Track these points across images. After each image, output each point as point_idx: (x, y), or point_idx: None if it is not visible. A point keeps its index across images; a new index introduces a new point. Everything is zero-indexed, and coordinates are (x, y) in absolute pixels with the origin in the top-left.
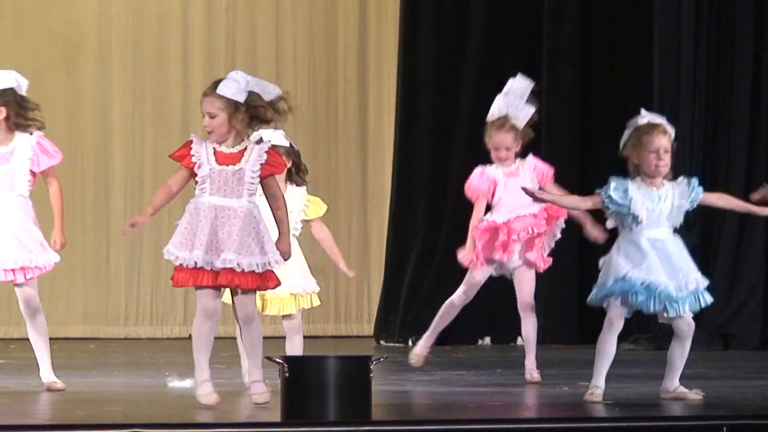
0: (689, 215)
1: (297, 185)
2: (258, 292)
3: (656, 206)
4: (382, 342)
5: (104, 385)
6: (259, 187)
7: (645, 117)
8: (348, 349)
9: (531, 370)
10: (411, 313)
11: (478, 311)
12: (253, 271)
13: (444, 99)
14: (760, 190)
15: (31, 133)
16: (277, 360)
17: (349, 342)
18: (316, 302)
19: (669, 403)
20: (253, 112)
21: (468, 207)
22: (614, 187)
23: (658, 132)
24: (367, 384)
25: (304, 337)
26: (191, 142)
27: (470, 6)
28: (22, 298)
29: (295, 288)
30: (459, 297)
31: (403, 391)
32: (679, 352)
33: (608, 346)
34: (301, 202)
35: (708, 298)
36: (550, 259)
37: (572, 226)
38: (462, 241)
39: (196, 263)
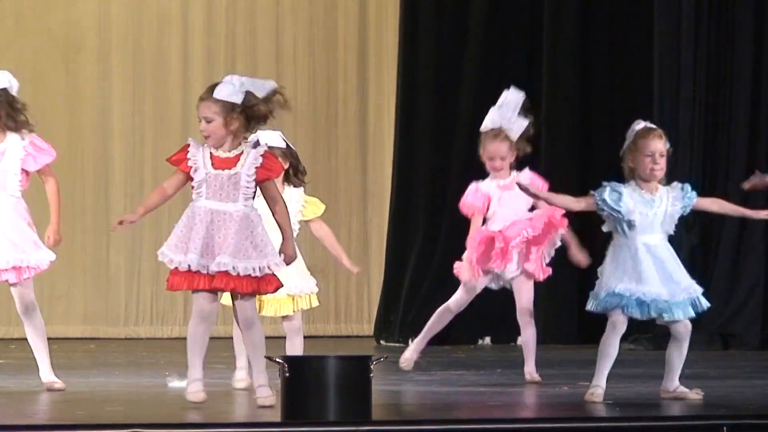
0: (689, 216)
1: (295, 186)
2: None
3: (650, 211)
4: (382, 342)
5: (104, 385)
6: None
7: (641, 123)
8: (348, 349)
9: (531, 372)
10: (411, 313)
11: (478, 311)
12: (250, 274)
13: (444, 99)
14: (751, 179)
15: (22, 134)
16: (277, 360)
17: (349, 342)
18: (315, 303)
19: (669, 403)
20: (249, 113)
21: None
22: (609, 191)
23: (653, 136)
24: (368, 384)
25: (304, 337)
26: (188, 146)
27: (470, 6)
28: (18, 299)
29: (292, 289)
30: (455, 303)
31: (403, 391)
32: (677, 354)
33: (611, 347)
34: (299, 203)
35: (705, 303)
36: (550, 269)
37: (572, 225)
38: (462, 240)
39: (190, 266)
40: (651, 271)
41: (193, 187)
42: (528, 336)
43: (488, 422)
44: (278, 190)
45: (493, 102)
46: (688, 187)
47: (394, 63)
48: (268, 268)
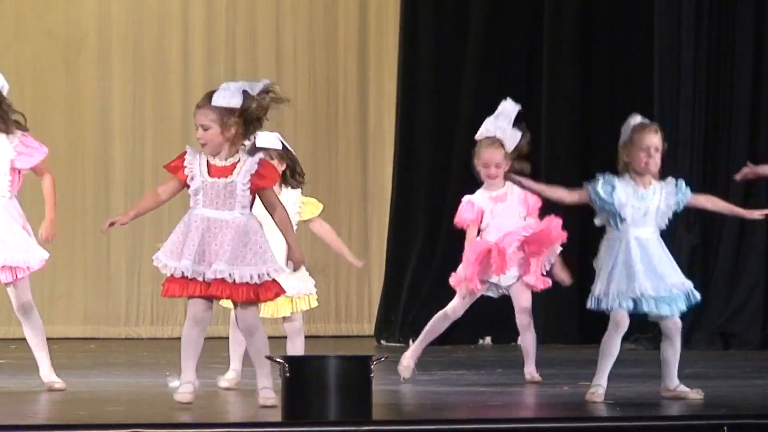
0: (690, 215)
1: (292, 188)
2: None
3: (642, 205)
4: (382, 342)
5: (105, 385)
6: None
7: (637, 118)
8: (348, 349)
9: (531, 372)
10: (411, 313)
11: (478, 311)
12: (248, 282)
13: (444, 99)
14: (743, 170)
15: (13, 134)
16: (277, 360)
17: (350, 342)
18: (314, 303)
19: (669, 403)
20: (246, 117)
21: None
22: (602, 183)
23: (649, 130)
24: (368, 384)
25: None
26: (185, 153)
27: (470, 6)
28: (14, 299)
29: (290, 290)
30: (452, 310)
31: (403, 391)
32: (671, 351)
33: (613, 346)
34: (296, 204)
35: (697, 296)
36: (549, 281)
37: (572, 226)
38: (462, 240)
39: (183, 273)
40: (640, 265)
41: (190, 195)
42: (527, 340)
43: (488, 422)
44: (276, 196)
45: (493, 101)
46: (682, 183)
47: (394, 63)
48: (268, 274)
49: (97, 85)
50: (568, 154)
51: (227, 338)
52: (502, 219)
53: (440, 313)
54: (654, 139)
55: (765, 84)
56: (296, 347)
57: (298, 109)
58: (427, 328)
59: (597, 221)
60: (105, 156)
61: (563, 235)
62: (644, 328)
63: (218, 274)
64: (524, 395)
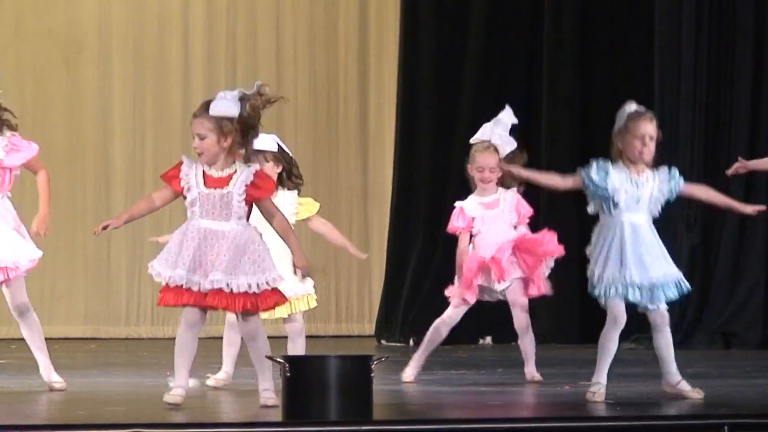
0: (690, 215)
1: (288, 189)
2: None
3: (636, 191)
4: (383, 342)
5: (105, 385)
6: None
7: (633, 105)
8: (349, 349)
9: (532, 372)
10: (412, 313)
11: (479, 311)
12: (246, 291)
13: (444, 99)
14: (734, 165)
15: (2, 134)
16: (278, 360)
17: (350, 342)
18: (313, 304)
19: (669, 403)
20: (243, 125)
21: None
22: (595, 169)
23: (644, 119)
24: (369, 383)
25: (306, 336)
26: (181, 163)
27: (470, 6)
28: (9, 300)
29: (287, 292)
30: (450, 317)
31: (404, 391)
32: (663, 343)
33: (611, 342)
34: (292, 206)
35: (687, 285)
36: (549, 286)
37: (572, 225)
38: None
39: (177, 282)
40: (630, 252)
41: (187, 206)
42: (526, 342)
43: (489, 422)
44: (274, 205)
45: (493, 101)
46: (675, 171)
47: (394, 63)
48: (267, 283)
49: (97, 85)
50: (568, 154)
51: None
52: (493, 226)
53: (437, 321)
54: (649, 128)
55: (765, 83)
56: (297, 348)
57: (298, 110)
58: (426, 338)
59: (590, 209)
60: (105, 156)
61: (559, 249)
62: (644, 328)
63: (215, 284)
64: (525, 395)
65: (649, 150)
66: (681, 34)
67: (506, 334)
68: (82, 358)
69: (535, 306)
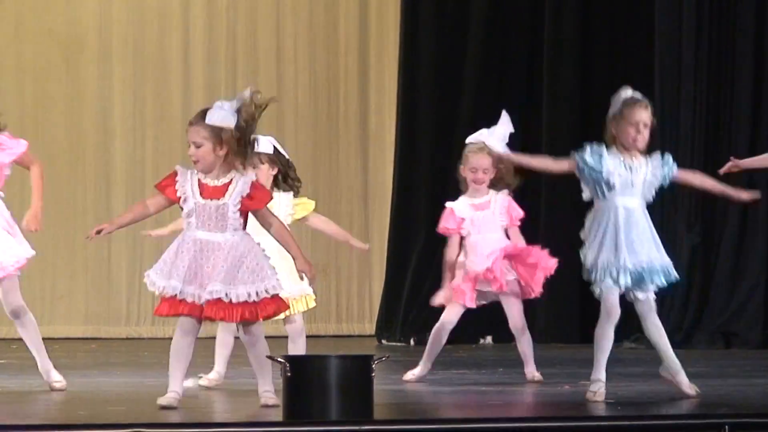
0: (691, 215)
1: (284, 191)
2: None
3: (630, 175)
4: (383, 341)
5: (106, 385)
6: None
7: (629, 91)
8: (349, 349)
9: (532, 372)
10: (412, 313)
11: (479, 310)
12: (246, 300)
13: (445, 98)
14: (727, 164)
15: None
16: (279, 359)
17: (351, 341)
18: (312, 304)
19: (670, 402)
20: (239, 135)
21: None
22: (589, 152)
23: (640, 106)
24: (369, 383)
25: (306, 336)
26: (176, 173)
27: (471, 6)
28: (3, 301)
29: (285, 293)
30: (448, 321)
31: (404, 391)
32: (654, 329)
33: (606, 337)
34: (288, 207)
35: (675, 274)
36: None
37: (572, 225)
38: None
39: (171, 293)
40: (623, 236)
41: (183, 217)
42: (524, 344)
43: (490, 421)
44: (271, 213)
45: (494, 101)
46: (669, 157)
47: (394, 63)
48: (266, 291)
49: (97, 85)
50: (568, 153)
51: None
52: (483, 228)
53: (436, 327)
54: (644, 115)
55: (766, 83)
56: (298, 348)
57: (298, 110)
58: (429, 344)
59: (585, 195)
60: (105, 156)
61: (552, 268)
62: None
63: (214, 294)
64: (525, 395)
65: (643, 137)
66: (681, 34)
67: (507, 333)
68: (82, 358)
69: (536, 306)
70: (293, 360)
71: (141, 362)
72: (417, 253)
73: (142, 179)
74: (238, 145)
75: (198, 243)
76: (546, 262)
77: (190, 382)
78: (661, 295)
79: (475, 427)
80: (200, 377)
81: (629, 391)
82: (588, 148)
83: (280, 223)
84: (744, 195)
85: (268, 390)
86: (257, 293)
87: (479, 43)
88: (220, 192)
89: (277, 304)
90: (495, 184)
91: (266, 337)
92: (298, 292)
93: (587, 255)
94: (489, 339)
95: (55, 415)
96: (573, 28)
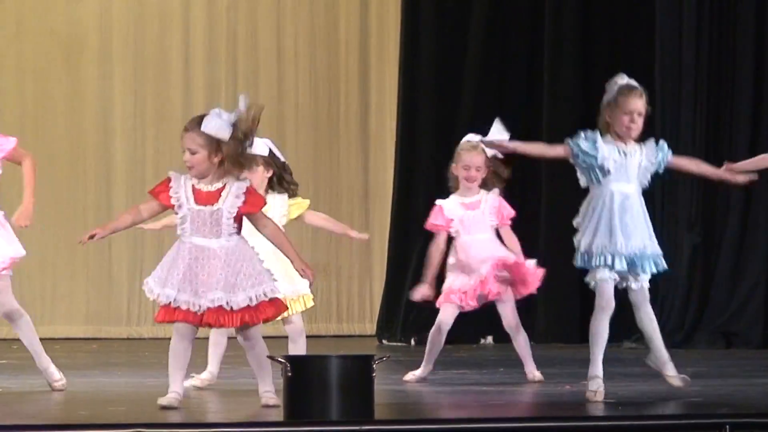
0: (692, 214)
1: (278, 193)
2: None
3: (624, 161)
4: (384, 341)
5: (106, 385)
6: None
7: (624, 78)
8: (350, 349)
9: (532, 371)
10: (413, 313)
11: (480, 310)
12: (248, 305)
13: (445, 98)
14: (722, 168)
15: None
16: (280, 359)
17: (351, 341)
18: (310, 303)
19: (671, 402)
20: (234, 145)
21: None
22: (583, 138)
23: (635, 95)
24: (370, 383)
25: (307, 336)
26: (169, 180)
27: (471, 6)
28: None
29: (280, 294)
30: (444, 323)
31: (405, 391)
32: (647, 319)
33: (601, 330)
34: (282, 208)
35: (664, 264)
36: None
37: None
38: None
39: (164, 301)
40: (618, 221)
41: (177, 223)
42: (520, 342)
43: (490, 421)
44: (264, 216)
45: (494, 101)
46: (663, 143)
47: (395, 62)
48: (264, 294)
49: (98, 85)
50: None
51: (230, 338)
52: (473, 228)
53: (433, 328)
54: (638, 104)
55: (766, 83)
56: (299, 348)
57: (299, 109)
58: (427, 346)
59: (582, 182)
60: (106, 155)
61: (537, 284)
62: None
63: (216, 302)
64: (526, 395)
65: (637, 126)
66: (682, 34)
67: (507, 333)
68: (83, 358)
69: (536, 306)
70: (294, 360)
71: (141, 362)
72: (417, 253)
73: (143, 179)
74: (234, 156)
75: (193, 250)
76: (534, 278)
77: (190, 382)
78: (661, 296)
79: (476, 427)
80: (192, 377)
81: (629, 391)
82: (582, 134)
83: (275, 225)
84: (740, 177)
85: (269, 390)
86: (256, 297)
87: (479, 43)
88: (214, 197)
89: (276, 306)
90: (486, 184)
91: (266, 338)
92: (294, 293)
93: (581, 240)
94: (490, 339)
95: (56, 415)
96: (573, 28)
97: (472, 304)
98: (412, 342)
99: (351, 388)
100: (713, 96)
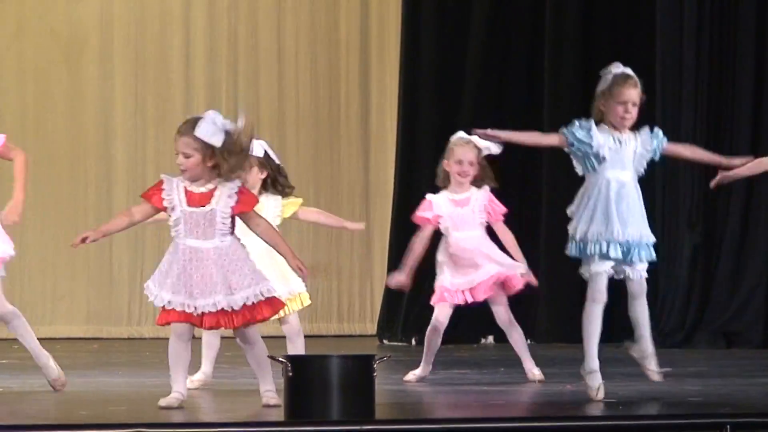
0: (692, 214)
1: (272, 194)
2: None
3: (620, 148)
4: (385, 341)
5: (107, 385)
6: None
7: (619, 67)
8: (351, 348)
9: (531, 369)
10: (413, 313)
11: (480, 310)
12: (244, 305)
13: (446, 98)
14: (717, 177)
15: None
16: (280, 359)
17: (352, 341)
18: (307, 302)
19: (671, 402)
20: (228, 151)
21: None
22: (578, 126)
23: (629, 84)
24: (371, 383)
25: (308, 336)
26: (162, 182)
27: (472, 6)
28: None
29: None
30: (439, 323)
31: (406, 390)
32: (640, 309)
33: (594, 319)
34: (276, 208)
35: (654, 255)
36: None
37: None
38: None
39: (158, 304)
40: (614, 208)
41: (170, 225)
42: (515, 337)
43: (491, 421)
44: (257, 215)
45: (495, 100)
46: (658, 130)
47: (396, 62)
48: (261, 294)
49: (98, 85)
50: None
51: (230, 338)
52: (462, 225)
53: (429, 328)
54: (633, 94)
55: (767, 83)
56: (297, 348)
57: (299, 109)
58: (425, 347)
59: (578, 170)
60: (107, 155)
61: (520, 284)
62: None
63: (218, 306)
64: (526, 394)
65: (632, 116)
66: (682, 34)
67: None
68: (84, 358)
69: (536, 306)
70: (295, 360)
71: (142, 362)
72: None
73: (143, 179)
74: (229, 163)
75: (187, 252)
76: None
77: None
78: (662, 296)
79: (477, 427)
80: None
81: (630, 391)
82: (576, 123)
83: (268, 223)
84: (736, 161)
85: (270, 389)
86: (255, 296)
87: (480, 43)
88: (206, 198)
89: (273, 305)
90: (476, 182)
91: (265, 338)
92: (290, 293)
93: (577, 227)
94: (490, 339)
95: (56, 415)
96: (574, 28)
97: (463, 298)
98: (413, 342)
99: (352, 387)
100: (714, 96)
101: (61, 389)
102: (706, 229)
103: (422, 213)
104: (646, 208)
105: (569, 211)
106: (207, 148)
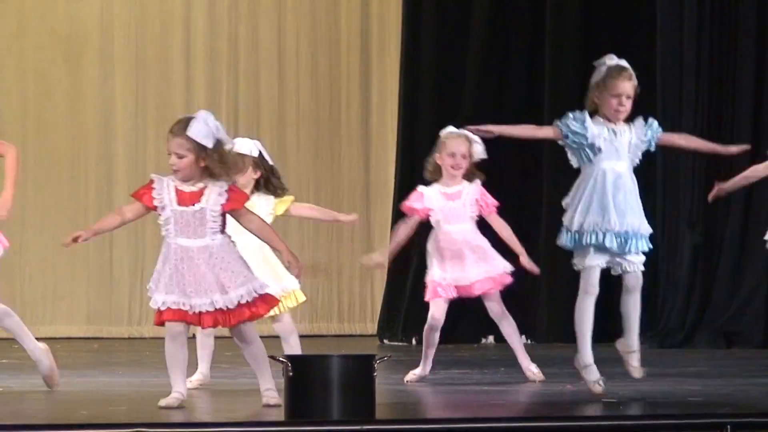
0: (693, 214)
1: (265, 194)
2: None
3: (615, 139)
4: (385, 341)
5: (108, 385)
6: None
7: (614, 59)
8: (351, 348)
9: (529, 367)
10: (414, 312)
11: (481, 310)
12: (239, 302)
13: (446, 98)
14: (714, 190)
15: None
16: (280, 359)
17: (353, 341)
18: (302, 298)
19: (672, 402)
20: (220, 154)
21: None
22: (572, 118)
23: (623, 77)
24: (371, 383)
25: (308, 336)
26: (152, 182)
27: (472, 6)
28: None
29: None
30: (435, 320)
31: (406, 390)
32: (632, 304)
33: (587, 312)
34: (269, 206)
35: (649, 245)
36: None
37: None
38: None
39: (155, 306)
40: (611, 199)
41: (161, 225)
42: (508, 330)
43: (491, 421)
44: (249, 211)
45: (495, 100)
46: (653, 121)
47: (396, 62)
48: (255, 291)
49: (99, 85)
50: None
51: (229, 337)
52: (453, 218)
53: (426, 326)
54: (627, 86)
55: (767, 83)
56: (292, 347)
57: (300, 108)
58: (423, 345)
59: (573, 162)
60: (107, 155)
61: (507, 280)
62: (644, 327)
63: (216, 304)
64: (527, 394)
65: (626, 109)
66: (683, 34)
67: None
68: (84, 357)
69: (536, 306)
70: (295, 360)
71: (143, 362)
72: (418, 252)
73: (144, 179)
74: (220, 164)
75: (179, 251)
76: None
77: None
78: (662, 296)
79: (477, 426)
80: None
81: (630, 390)
82: (570, 115)
83: (260, 219)
84: (733, 149)
85: (270, 388)
86: (249, 293)
87: (480, 43)
88: (196, 197)
89: (268, 301)
90: (467, 176)
91: (264, 338)
92: (283, 291)
93: (573, 218)
94: (491, 339)
95: (56, 414)
96: (574, 28)
97: (457, 292)
98: (413, 341)
99: (352, 387)
100: (714, 96)
101: (55, 385)
102: (706, 229)
103: (411, 203)
104: (646, 207)
105: (564, 202)
106: (200, 149)
